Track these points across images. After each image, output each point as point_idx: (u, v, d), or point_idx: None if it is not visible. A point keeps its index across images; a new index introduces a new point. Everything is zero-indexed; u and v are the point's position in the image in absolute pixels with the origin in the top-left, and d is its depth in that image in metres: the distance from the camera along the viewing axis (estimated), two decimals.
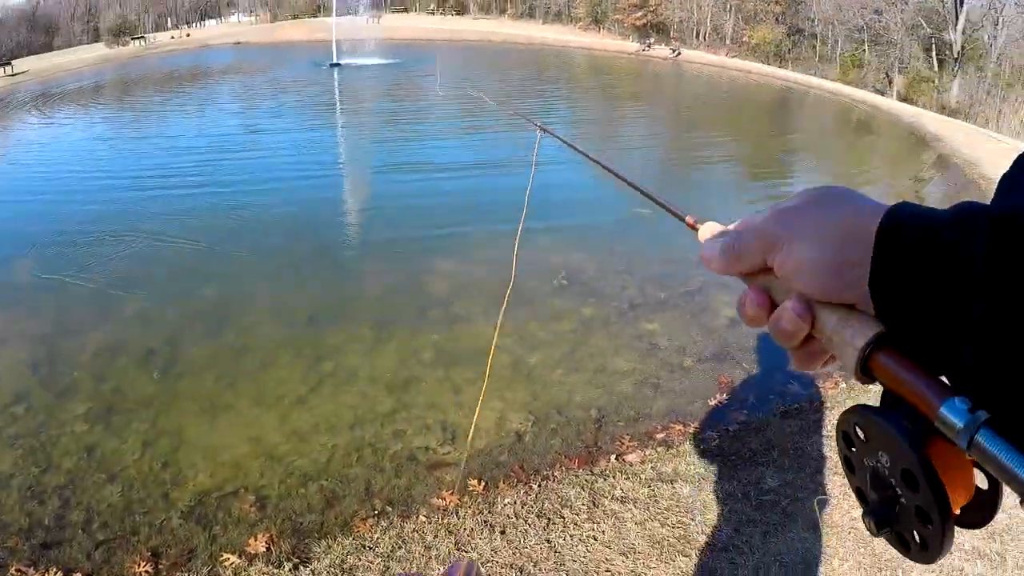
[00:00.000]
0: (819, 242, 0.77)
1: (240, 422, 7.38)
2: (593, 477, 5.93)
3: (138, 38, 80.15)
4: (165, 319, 9.99)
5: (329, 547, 5.28)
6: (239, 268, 11.91)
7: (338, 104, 33.97)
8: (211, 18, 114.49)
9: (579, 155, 1.47)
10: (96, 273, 11.69)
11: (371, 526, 5.55)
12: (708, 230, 1.00)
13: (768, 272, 0.83)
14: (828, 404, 7.24)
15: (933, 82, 57.21)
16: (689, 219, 1.08)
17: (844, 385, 7.66)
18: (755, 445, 6.40)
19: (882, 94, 52.77)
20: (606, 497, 5.64)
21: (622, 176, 1.26)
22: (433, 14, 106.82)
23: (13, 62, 54.83)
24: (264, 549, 5.34)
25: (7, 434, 7.32)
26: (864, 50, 62.71)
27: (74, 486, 6.40)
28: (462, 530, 5.39)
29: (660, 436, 6.69)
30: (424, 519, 5.56)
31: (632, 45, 70.74)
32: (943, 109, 48.46)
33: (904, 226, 0.71)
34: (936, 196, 19.32)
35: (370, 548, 5.24)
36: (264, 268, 11.88)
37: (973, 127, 35.45)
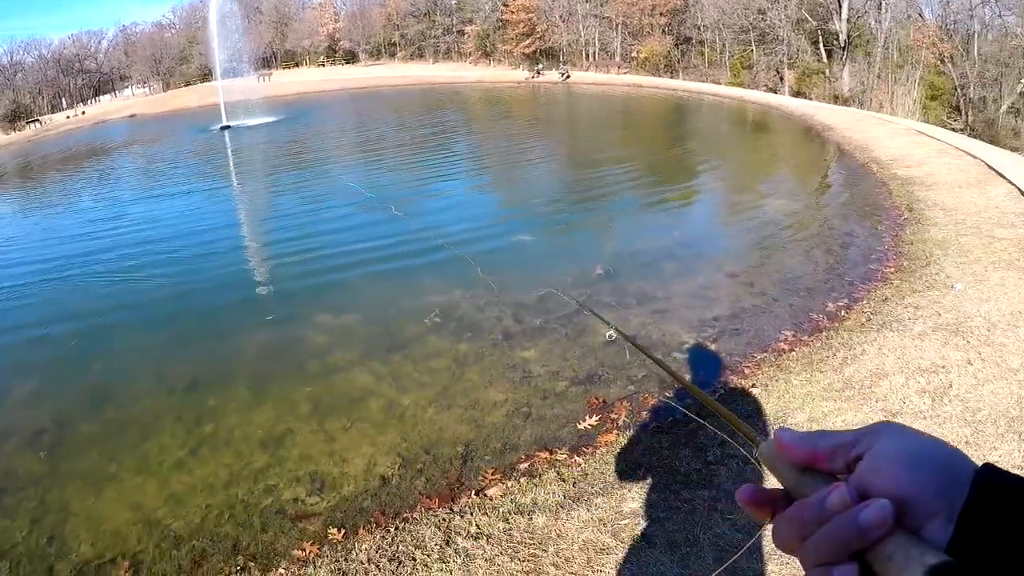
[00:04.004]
0: (921, 440, 0.79)
1: (123, 491, 7.37)
2: (451, 515, 5.90)
3: (33, 121, 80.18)
4: (53, 399, 9.95)
5: None
6: (123, 342, 11.79)
7: (231, 166, 33.86)
8: (105, 94, 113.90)
9: (647, 357, 1.48)
10: None
11: None
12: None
13: (829, 475, 0.83)
14: (704, 412, 7.18)
15: (824, 74, 58.19)
16: (751, 433, 1.02)
17: (723, 392, 7.73)
18: (621, 466, 6.35)
19: (775, 91, 53.65)
20: (460, 535, 5.60)
21: (687, 383, 1.24)
22: (323, 66, 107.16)
23: None
24: None
25: None
26: (752, 50, 63.61)
27: None
28: None
29: (524, 466, 6.63)
30: (283, 572, 5.60)
31: (522, 74, 71.43)
32: (836, 99, 49.41)
33: (1005, 476, 0.73)
34: (838, 182, 19.71)
35: None
36: (147, 339, 11.74)
37: (864, 112, 36.10)
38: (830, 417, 6.73)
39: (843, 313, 9.69)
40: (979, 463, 0.75)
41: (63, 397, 10.00)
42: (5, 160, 52.44)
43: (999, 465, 0.73)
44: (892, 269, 11.22)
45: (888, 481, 0.76)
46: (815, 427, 6.43)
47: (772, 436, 0.90)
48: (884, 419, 0.88)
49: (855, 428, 0.83)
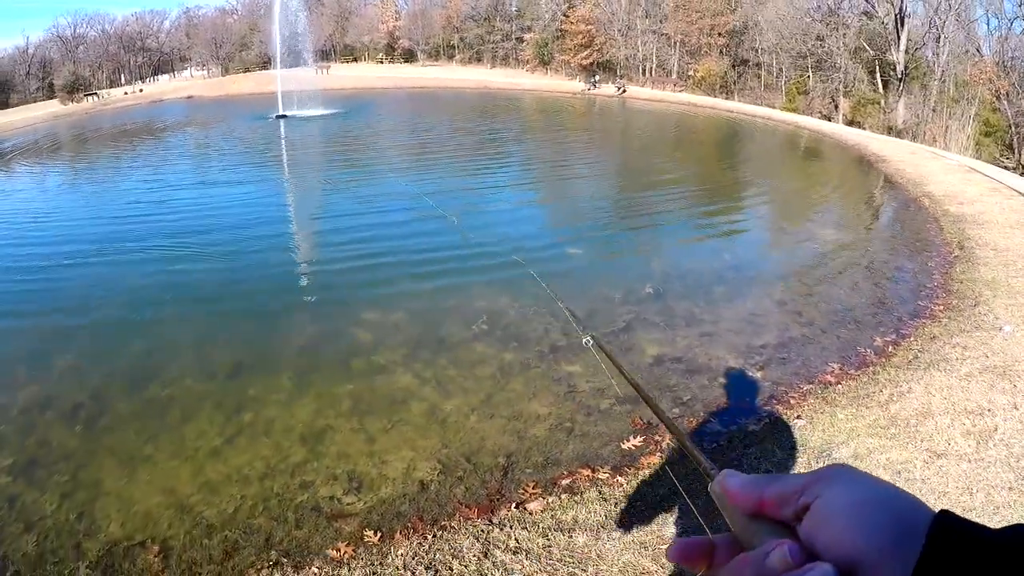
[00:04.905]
0: (871, 489, 0.74)
1: (157, 474, 7.37)
2: (490, 527, 5.85)
3: (91, 94, 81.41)
4: (95, 373, 10.00)
5: None
6: (169, 322, 11.85)
7: (284, 156, 33.97)
8: (164, 73, 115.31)
9: (625, 379, 1.46)
10: (31, 326, 11.91)
11: None
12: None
13: (777, 524, 0.79)
14: (747, 440, 7.17)
15: (879, 104, 57.74)
16: (707, 466, 0.98)
17: (768, 421, 7.63)
18: (663, 489, 6.27)
19: (829, 119, 53.30)
20: (499, 548, 5.54)
21: (660, 413, 1.21)
22: (382, 63, 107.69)
23: None
24: None
25: None
26: (808, 76, 63.28)
27: None
28: None
29: (566, 482, 6.56)
30: (316, 571, 5.57)
31: (579, 84, 71.43)
32: (890, 130, 48.96)
33: (961, 526, 0.68)
34: (890, 215, 19.56)
35: None
36: (193, 322, 11.81)
37: (918, 145, 35.69)
38: (875, 454, 6.64)
39: (891, 349, 9.58)
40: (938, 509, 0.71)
41: (104, 373, 10.01)
42: (61, 130, 53.09)
43: None
44: (941, 307, 11.09)
45: (835, 537, 0.71)
46: (860, 464, 6.36)
47: (719, 477, 0.87)
48: (840, 463, 0.82)
49: (806, 472, 0.79)
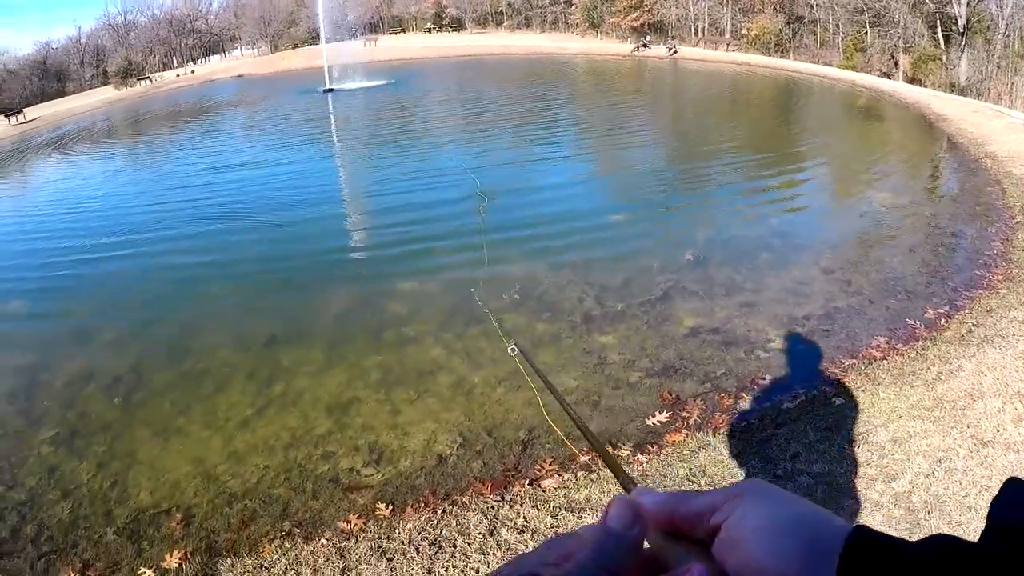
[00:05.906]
0: (784, 508, 0.74)
1: (188, 444, 7.60)
2: (501, 503, 5.81)
3: (144, 78, 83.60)
4: (135, 347, 10.38)
5: (232, 566, 5.50)
6: (209, 295, 12.25)
7: (332, 129, 34.29)
8: (214, 54, 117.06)
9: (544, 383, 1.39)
10: (80, 304, 12.47)
11: (275, 547, 5.69)
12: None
13: (692, 543, 0.78)
14: (779, 420, 6.92)
15: (940, 60, 56.18)
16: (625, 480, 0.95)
17: (804, 399, 7.38)
18: (682, 471, 6.11)
19: (888, 77, 52.07)
20: (506, 526, 5.51)
21: (580, 424, 1.17)
22: (430, 32, 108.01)
23: (25, 110, 58.03)
24: (176, 565, 5.64)
25: None
26: (866, 32, 61.90)
27: (32, 503, 6.86)
28: (353, 555, 5.44)
29: (584, 459, 6.41)
30: (324, 542, 5.64)
31: (627, 47, 70.58)
32: (953, 87, 47.62)
33: (876, 543, 0.68)
34: (949, 177, 19.03)
35: (266, 569, 5.40)
36: (233, 294, 12.18)
37: (980, 103, 34.49)
38: (915, 439, 6.32)
39: (943, 322, 9.13)
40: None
41: (145, 346, 10.37)
42: (116, 114, 54.31)
43: None
44: (1000, 277, 10.59)
45: (745, 560, 0.71)
46: (899, 449, 6.12)
47: (632, 494, 0.82)
48: (754, 479, 0.85)
49: (719, 489, 0.79)
